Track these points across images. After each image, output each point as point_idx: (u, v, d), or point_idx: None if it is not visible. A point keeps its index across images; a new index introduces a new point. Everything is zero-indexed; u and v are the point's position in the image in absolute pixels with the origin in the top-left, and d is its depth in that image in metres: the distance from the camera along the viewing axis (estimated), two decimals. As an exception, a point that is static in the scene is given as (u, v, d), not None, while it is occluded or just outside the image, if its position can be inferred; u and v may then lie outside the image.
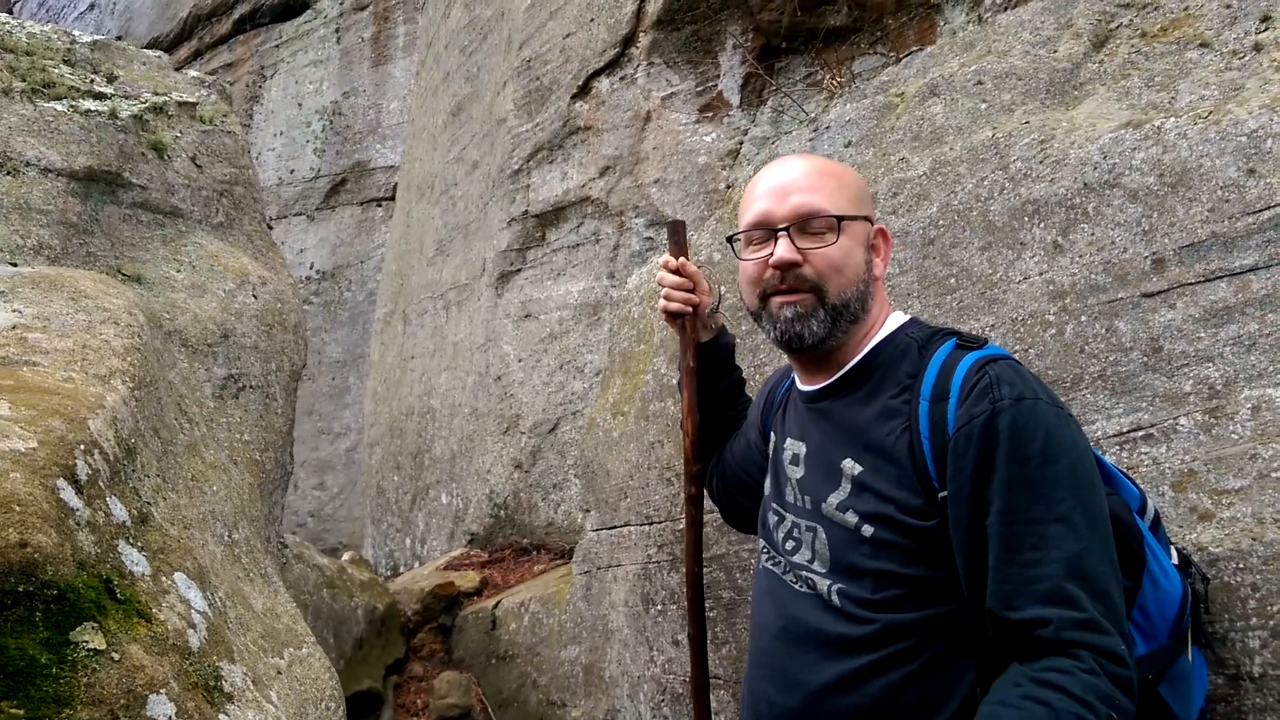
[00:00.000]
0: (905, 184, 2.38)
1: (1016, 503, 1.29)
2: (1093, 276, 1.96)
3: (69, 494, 1.27)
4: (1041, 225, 2.07)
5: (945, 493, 1.35)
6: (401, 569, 5.82)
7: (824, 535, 1.47)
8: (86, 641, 1.11)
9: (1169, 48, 2.14)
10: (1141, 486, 1.63)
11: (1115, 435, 1.88)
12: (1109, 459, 1.88)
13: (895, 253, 2.34)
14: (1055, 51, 2.35)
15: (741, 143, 3.97)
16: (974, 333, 1.79)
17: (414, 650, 4.21)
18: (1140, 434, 1.86)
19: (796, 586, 1.51)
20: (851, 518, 1.43)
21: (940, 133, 2.42)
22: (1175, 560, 1.56)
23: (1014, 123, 2.26)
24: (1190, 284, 1.84)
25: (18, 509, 1.15)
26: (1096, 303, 1.95)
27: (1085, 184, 2.02)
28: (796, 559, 1.52)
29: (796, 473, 1.58)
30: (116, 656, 1.13)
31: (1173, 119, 1.97)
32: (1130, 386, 1.88)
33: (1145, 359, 1.87)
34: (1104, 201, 1.99)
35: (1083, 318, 1.96)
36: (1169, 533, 1.76)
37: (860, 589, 1.40)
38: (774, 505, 1.64)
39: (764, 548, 1.66)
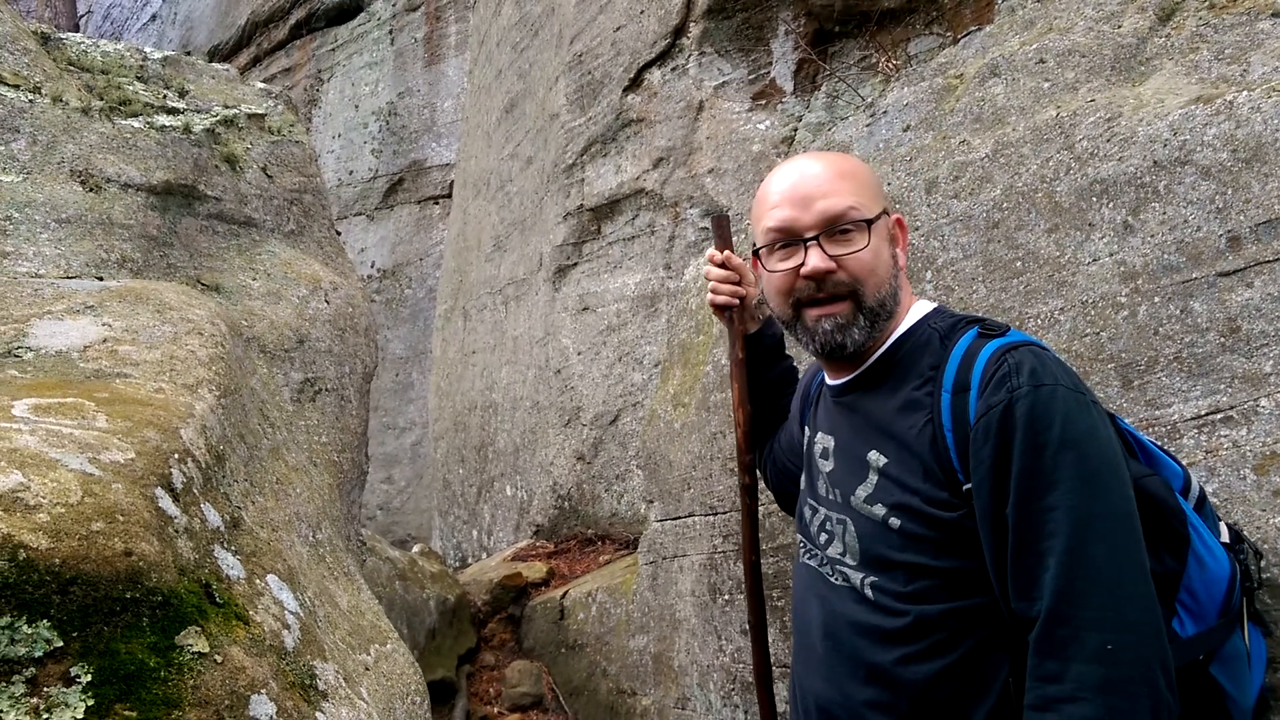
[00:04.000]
0: (967, 167, 2.35)
1: (1031, 491, 1.28)
2: (1165, 256, 1.92)
3: (167, 502, 1.33)
4: (1110, 205, 2.03)
5: (969, 484, 1.35)
6: (469, 560, 5.93)
7: (853, 528, 1.48)
8: (191, 645, 1.17)
9: (1239, 19, 2.07)
10: (1185, 465, 1.59)
11: (1193, 418, 1.84)
12: (1187, 442, 1.85)
13: (958, 237, 2.31)
14: (1120, 26, 2.29)
15: (796, 129, 3.95)
16: (1006, 320, 1.77)
17: (485, 640, 4.31)
18: (1219, 416, 1.81)
19: (834, 580, 1.52)
20: (879, 510, 1.44)
21: (1002, 113, 2.38)
22: (1225, 537, 1.52)
23: (1079, 101, 2.21)
24: (1268, 261, 1.79)
25: (121, 519, 1.21)
26: (1170, 283, 1.90)
27: (1155, 162, 1.97)
28: (831, 552, 1.54)
29: (826, 466, 1.59)
30: (219, 659, 1.19)
31: (1245, 92, 1.91)
32: (1208, 368, 1.83)
33: (1223, 339, 1.82)
34: (1175, 179, 1.94)
35: (1156, 299, 1.92)
36: (1251, 517, 1.72)
37: (892, 581, 1.41)
38: (809, 499, 1.65)
39: (802, 542, 1.67)
